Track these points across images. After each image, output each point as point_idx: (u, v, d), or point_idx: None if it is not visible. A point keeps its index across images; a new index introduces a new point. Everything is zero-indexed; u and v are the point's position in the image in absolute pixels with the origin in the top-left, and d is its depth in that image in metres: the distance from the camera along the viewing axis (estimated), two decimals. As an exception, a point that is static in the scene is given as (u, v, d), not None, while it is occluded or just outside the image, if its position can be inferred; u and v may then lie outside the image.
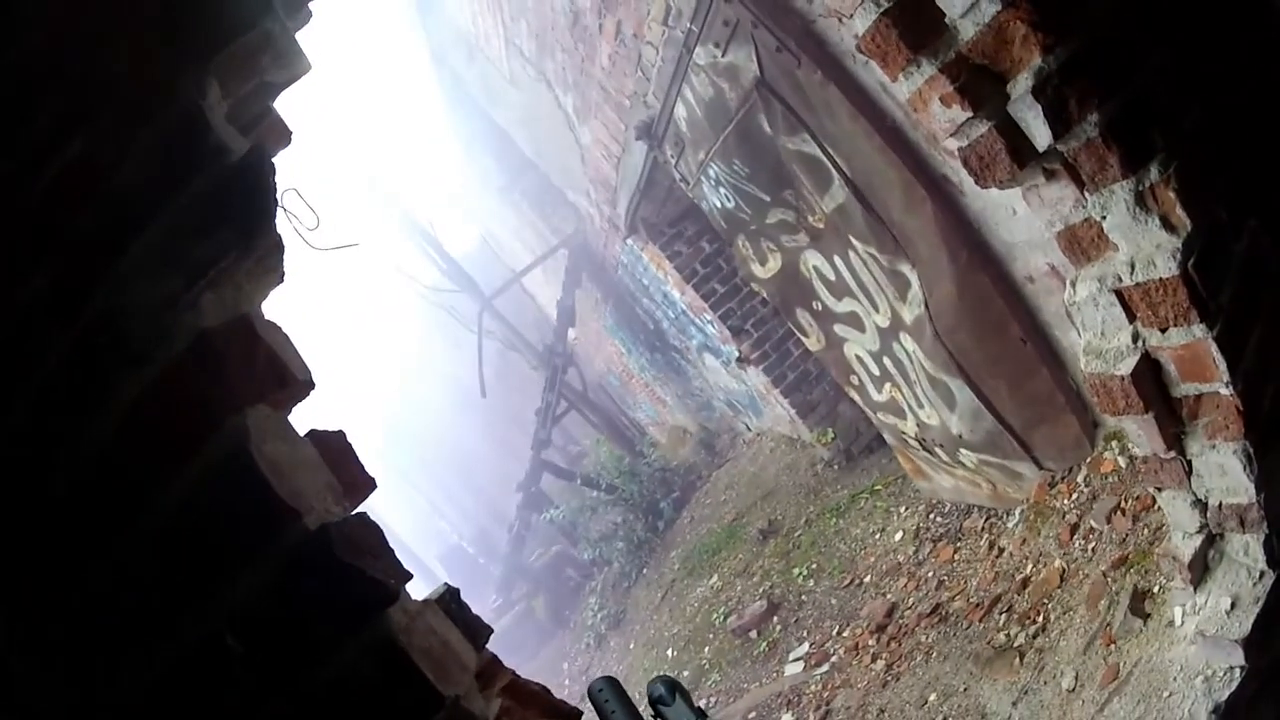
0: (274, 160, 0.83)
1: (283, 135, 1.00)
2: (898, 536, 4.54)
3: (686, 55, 3.49)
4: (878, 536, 4.79)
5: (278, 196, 0.83)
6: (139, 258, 0.78)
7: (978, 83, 1.52)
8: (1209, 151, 1.46)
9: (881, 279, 3.48)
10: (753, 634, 5.04)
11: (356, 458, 0.89)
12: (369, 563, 0.80)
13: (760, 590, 5.39)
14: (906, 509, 4.80)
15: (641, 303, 8.29)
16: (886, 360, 3.94)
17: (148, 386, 0.77)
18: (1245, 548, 1.56)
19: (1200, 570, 1.62)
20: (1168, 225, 1.43)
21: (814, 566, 5.07)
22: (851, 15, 1.61)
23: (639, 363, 9.45)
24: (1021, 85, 1.46)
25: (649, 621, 6.88)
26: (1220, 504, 1.57)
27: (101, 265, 0.78)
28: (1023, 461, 3.37)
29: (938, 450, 3.98)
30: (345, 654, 0.79)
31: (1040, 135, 1.48)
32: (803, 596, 4.93)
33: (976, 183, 1.68)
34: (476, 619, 0.92)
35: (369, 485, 0.89)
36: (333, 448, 0.88)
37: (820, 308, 4.21)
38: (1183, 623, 1.66)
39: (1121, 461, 2.82)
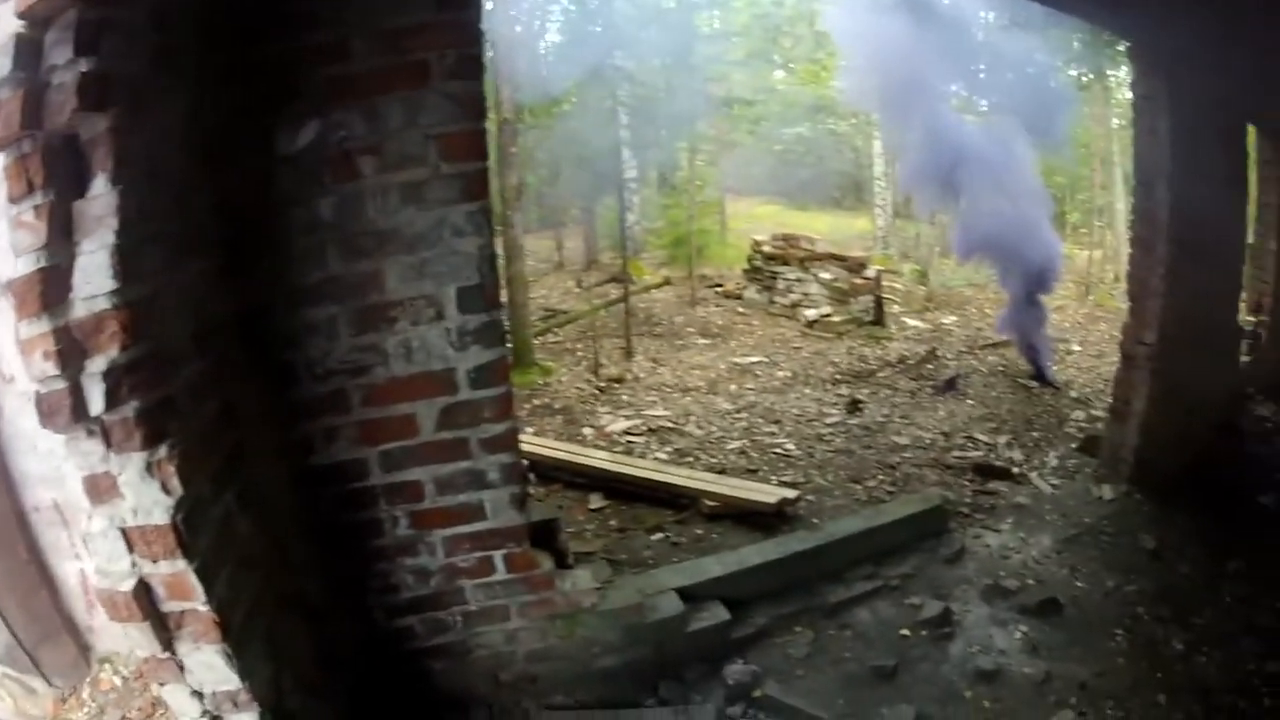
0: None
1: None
2: None
3: None
4: None
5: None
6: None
7: (69, 350, 2.00)
8: (207, 444, 2.24)
9: None
10: None
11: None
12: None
13: None
14: None
15: None
16: None
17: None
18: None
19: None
20: (165, 489, 2.09)
21: None
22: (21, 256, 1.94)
23: None
24: (98, 364, 2.01)
25: None
26: (214, 692, 2.20)
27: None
28: (35, 677, 3.53)
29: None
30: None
31: (95, 404, 2.02)
32: None
33: (42, 423, 2.07)
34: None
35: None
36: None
37: None
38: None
39: (117, 680, 3.27)
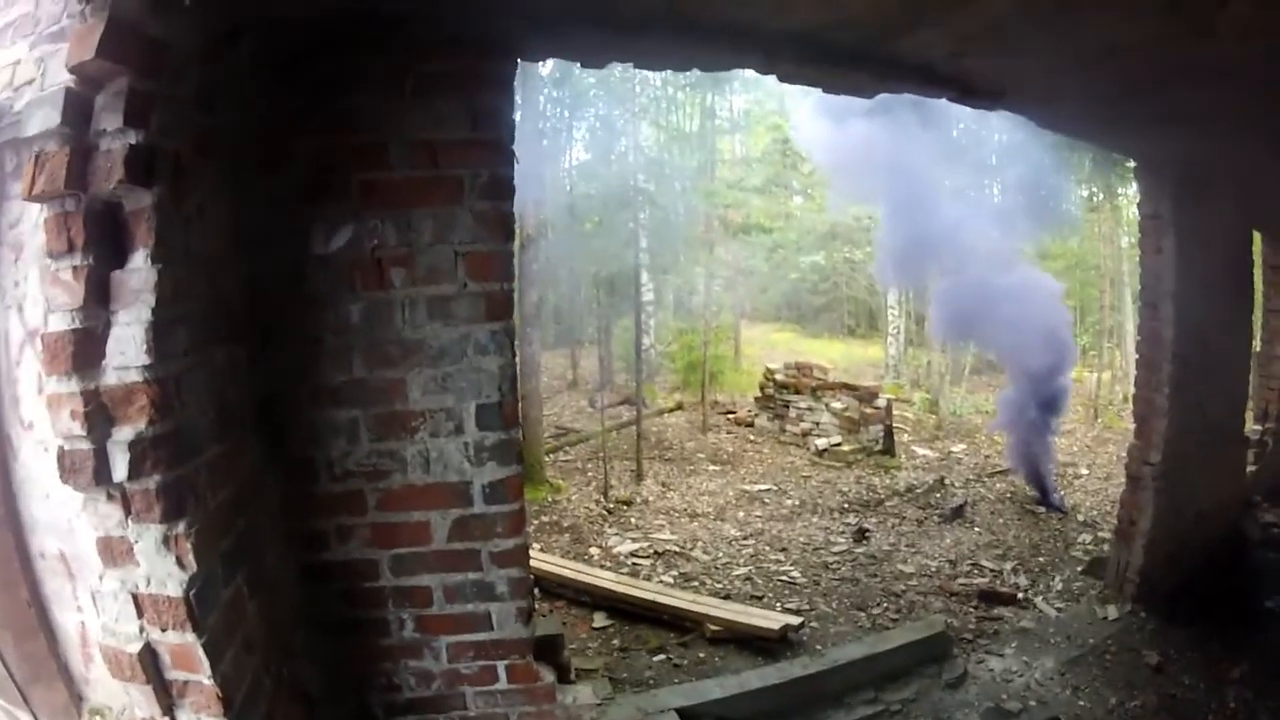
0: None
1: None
2: None
3: None
4: None
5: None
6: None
7: (96, 414, 2.10)
8: (221, 525, 2.36)
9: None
10: None
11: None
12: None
13: None
14: None
15: None
16: None
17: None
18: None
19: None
20: (180, 563, 2.17)
21: None
22: (54, 312, 2.07)
23: None
24: (125, 434, 2.11)
25: None
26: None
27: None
28: (25, 712, 3.55)
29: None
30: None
31: (119, 471, 2.11)
32: None
33: (63, 479, 2.17)
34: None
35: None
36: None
37: None
38: None
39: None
